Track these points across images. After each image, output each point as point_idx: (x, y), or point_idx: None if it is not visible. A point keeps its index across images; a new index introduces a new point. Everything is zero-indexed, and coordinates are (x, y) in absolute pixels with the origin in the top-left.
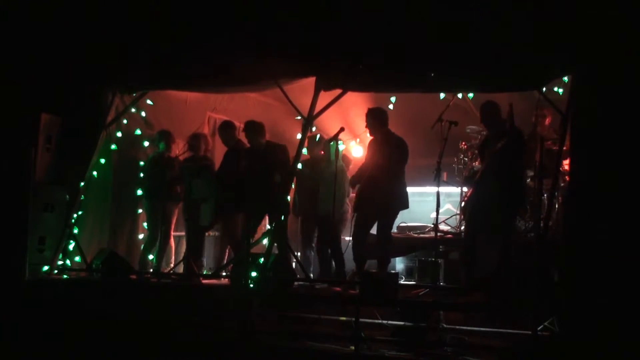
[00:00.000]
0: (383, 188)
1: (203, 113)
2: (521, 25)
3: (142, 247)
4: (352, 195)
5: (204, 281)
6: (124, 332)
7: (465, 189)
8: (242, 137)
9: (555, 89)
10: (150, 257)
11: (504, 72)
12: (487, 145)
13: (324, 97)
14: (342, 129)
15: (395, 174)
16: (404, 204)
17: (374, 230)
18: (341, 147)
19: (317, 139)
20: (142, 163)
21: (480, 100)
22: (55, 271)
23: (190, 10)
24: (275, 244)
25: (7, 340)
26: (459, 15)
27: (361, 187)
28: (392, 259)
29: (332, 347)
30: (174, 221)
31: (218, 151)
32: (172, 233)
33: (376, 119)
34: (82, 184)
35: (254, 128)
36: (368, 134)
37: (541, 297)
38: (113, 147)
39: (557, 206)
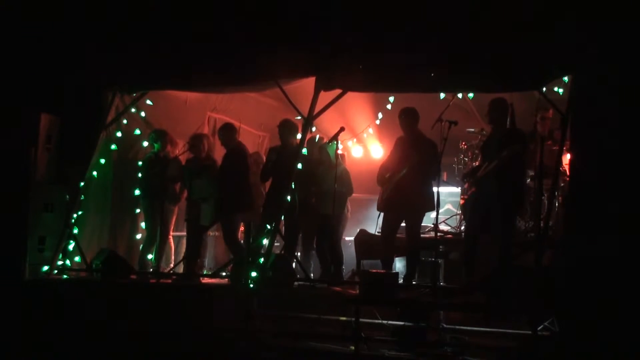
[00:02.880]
0: (414, 191)
1: (203, 113)
2: (521, 25)
3: (140, 247)
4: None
5: (204, 281)
6: (124, 332)
7: (464, 186)
8: (242, 139)
9: (555, 89)
10: (149, 257)
11: (504, 72)
12: (488, 145)
13: (324, 97)
14: (342, 129)
15: (426, 176)
16: (431, 206)
17: (371, 229)
18: (333, 147)
19: (316, 140)
20: (140, 163)
21: (480, 100)
22: (55, 271)
23: (190, 10)
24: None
25: (7, 340)
26: (459, 15)
27: (390, 188)
28: (391, 259)
29: (332, 347)
30: (172, 221)
31: (219, 151)
32: (172, 233)
33: (411, 118)
34: (82, 184)
35: (286, 127)
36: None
37: (541, 297)
38: (113, 147)
39: (557, 206)
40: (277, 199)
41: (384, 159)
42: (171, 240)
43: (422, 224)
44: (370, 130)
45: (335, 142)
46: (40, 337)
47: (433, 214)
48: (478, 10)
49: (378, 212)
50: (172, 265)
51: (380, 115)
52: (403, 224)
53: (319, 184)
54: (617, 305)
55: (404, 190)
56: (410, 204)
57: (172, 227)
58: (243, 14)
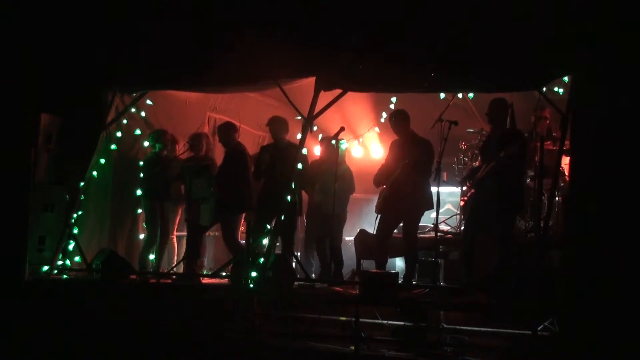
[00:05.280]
0: (411, 189)
1: (203, 113)
2: (521, 25)
3: (141, 247)
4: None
5: (204, 281)
6: (124, 332)
7: (464, 188)
8: (241, 139)
9: (555, 89)
10: (151, 257)
11: (504, 72)
12: (488, 145)
13: (324, 97)
14: (342, 129)
15: (423, 174)
16: (430, 204)
17: (370, 229)
18: (344, 146)
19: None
20: (141, 163)
21: (480, 100)
22: (55, 271)
23: (189, 10)
24: (278, 244)
25: (7, 340)
26: (459, 15)
27: (387, 188)
28: (391, 259)
29: (332, 347)
30: (176, 221)
31: (219, 151)
32: (176, 233)
33: (402, 120)
34: (82, 184)
35: (279, 123)
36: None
37: (541, 297)
38: (113, 147)
39: (557, 206)
40: (275, 198)
41: (382, 162)
42: (174, 240)
43: (422, 224)
44: (377, 129)
45: (335, 142)
46: (40, 338)
47: (433, 214)
48: (478, 10)
49: (376, 215)
50: (175, 262)
51: (384, 115)
52: (401, 224)
53: (326, 183)
54: (617, 306)
55: (402, 190)
56: (408, 204)
57: (176, 227)
58: (243, 13)
